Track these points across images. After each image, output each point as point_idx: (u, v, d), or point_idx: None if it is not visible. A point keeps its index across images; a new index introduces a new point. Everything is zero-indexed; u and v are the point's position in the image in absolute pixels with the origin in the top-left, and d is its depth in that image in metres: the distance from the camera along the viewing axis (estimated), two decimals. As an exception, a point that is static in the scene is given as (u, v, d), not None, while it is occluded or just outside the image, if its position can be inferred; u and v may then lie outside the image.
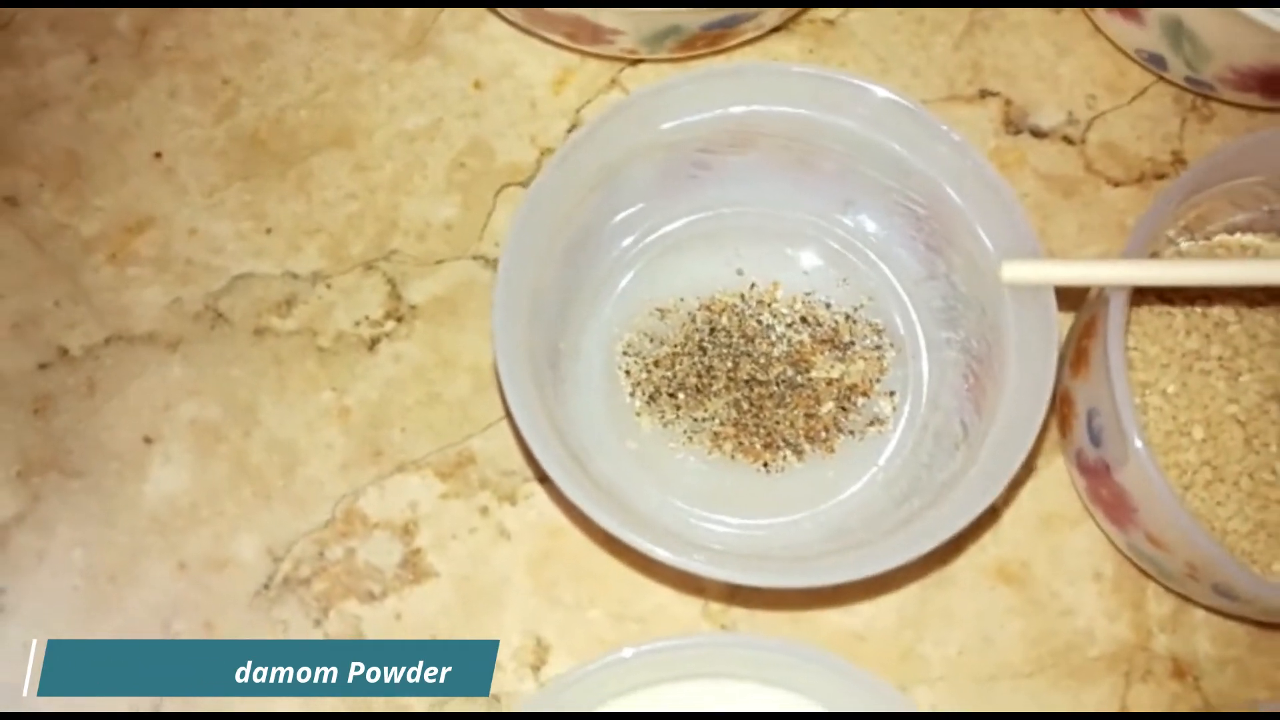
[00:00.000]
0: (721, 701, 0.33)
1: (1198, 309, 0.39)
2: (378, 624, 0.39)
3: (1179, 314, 0.39)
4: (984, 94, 0.45)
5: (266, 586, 0.39)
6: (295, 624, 0.39)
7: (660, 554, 0.33)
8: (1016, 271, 0.35)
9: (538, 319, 0.38)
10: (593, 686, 0.32)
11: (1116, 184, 0.44)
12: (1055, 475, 0.41)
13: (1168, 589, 0.39)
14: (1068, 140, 0.45)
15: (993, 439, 0.34)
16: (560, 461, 0.34)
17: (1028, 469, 0.40)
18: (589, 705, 0.33)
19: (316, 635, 0.38)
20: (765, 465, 0.40)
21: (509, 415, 0.36)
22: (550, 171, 0.36)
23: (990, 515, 0.40)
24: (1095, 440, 0.36)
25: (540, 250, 0.37)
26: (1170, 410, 0.38)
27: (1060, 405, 0.39)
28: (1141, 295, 0.39)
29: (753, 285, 0.41)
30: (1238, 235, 0.40)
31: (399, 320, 0.42)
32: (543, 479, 0.40)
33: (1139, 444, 0.33)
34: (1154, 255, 0.40)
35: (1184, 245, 0.40)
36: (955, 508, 0.33)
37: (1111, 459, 0.35)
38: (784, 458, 0.40)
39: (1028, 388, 0.34)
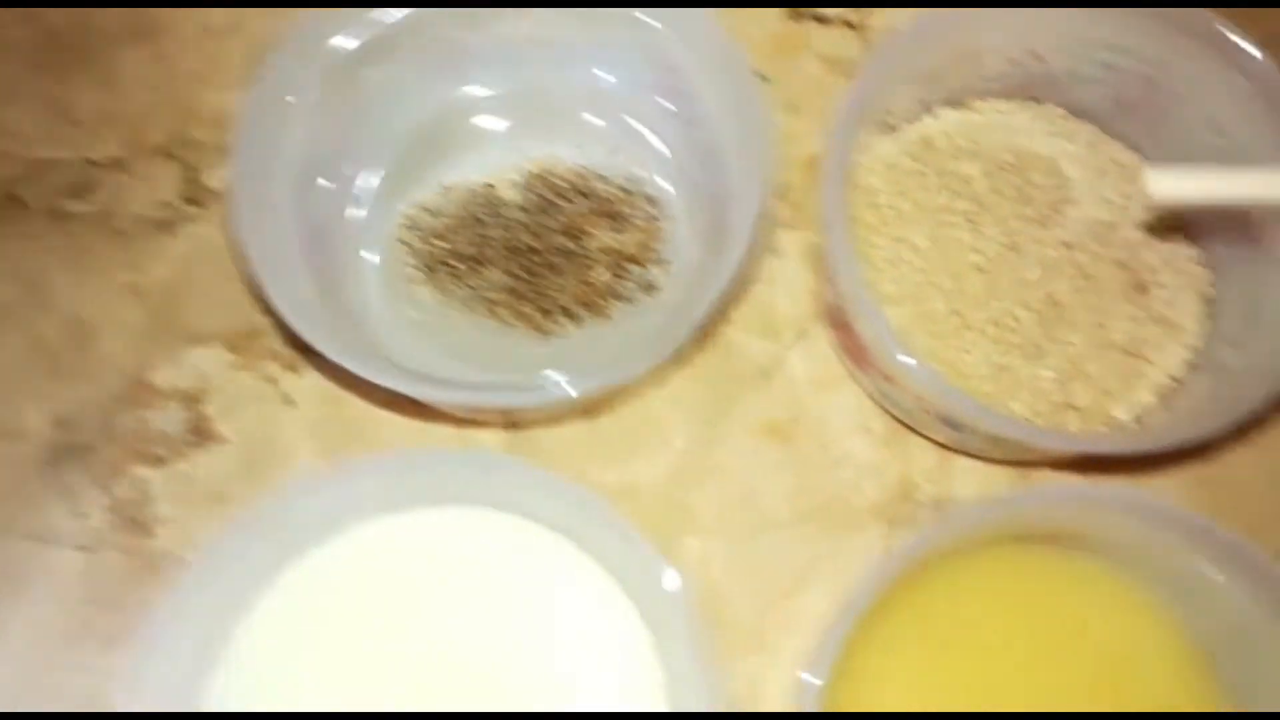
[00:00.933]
0: (454, 525, 0.35)
1: (949, 167, 0.40)
2: (166, 488, 0.40)
3: (931, 172, 0.40)
4: (770, -16, 0.47)
5: (56, 454, 0.40)
6: (82, 489, 0.40)
7: (405, 388, 0.35)
8: (1163, 184, 0.35)
9: (305, 193, 0.39)
10: (329, 502, 0.33)
11: (895, 66, 0.46)
12: (824, 338, 0.42)
13: (931, 440, 0.41)
14: (849, 25, 0.46)
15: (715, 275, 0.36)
16: (309, 320, 0.36)
17: (796, 332, 0.42)
18: (325, 521, 0.34)
19: (103, 500, 0.40)
20: (542, 331, 0.41)
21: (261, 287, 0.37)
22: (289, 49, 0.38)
23: (760, 377, 0.42)
24: (834, 285, 0.38)
25: (293, 126, 0.38)
26: (921, 263, 0.39)
27: (817, 268, 0.41)
28: (898, 154, 0.41)
29: (533, 160, 0.43)
30: (989, 101, 0.42)
31: (196, 204, 0.43)
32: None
33: (846, 270, 0.34)
34: (907, 123, 0.41)
35: (942, 112, 0.42)
36: (678, 326, 0.35)
37: (843, 300, 0.37)
38: (560, 324, 0.41)
39: (743, 225, 0.36)
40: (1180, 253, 0.40)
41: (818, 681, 0.30)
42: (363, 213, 0.42)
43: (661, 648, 0.33)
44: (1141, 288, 0.39)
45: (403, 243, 0.42)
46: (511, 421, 0.41)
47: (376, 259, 0.42)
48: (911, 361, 0.34)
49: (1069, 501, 0.32)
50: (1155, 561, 0.33)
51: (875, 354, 0.36)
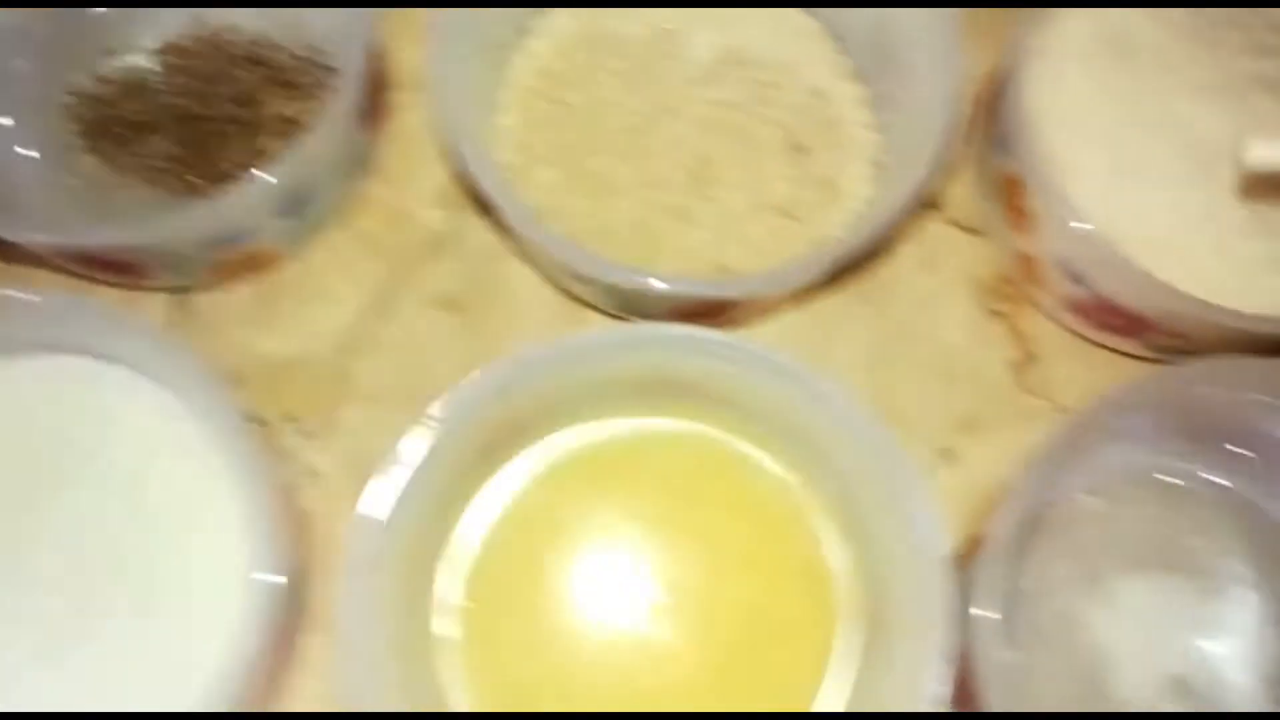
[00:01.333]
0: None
1: (615, 30, 0.40)
2: None
3: (598, 35, 0.40)
4: None
5: None
6: None
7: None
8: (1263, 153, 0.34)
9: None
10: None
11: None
12: (499, 216, 0.42)
13: (603, 310, 0.40)
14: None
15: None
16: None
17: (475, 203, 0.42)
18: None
19: None
20: (210, 199, 0.40)
21: None
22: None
23: (437, 248, 0.41)
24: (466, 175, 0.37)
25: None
26: (577, 124, 0.39)
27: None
28: (571, 20, 0.40)
29: (207, 27, 0.42)
30: None
31: None
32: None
33: (465, 141, 0.34)
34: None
35: None
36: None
37: (465, 164, 0.36)
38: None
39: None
40: (850, 117, 0.40)
41: (376, 517, 0.30)
42: (23, 81, 0.41)
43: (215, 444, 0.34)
44: (801, 149, 0.39)
45: (66, 108, 0.41)
46: (178, 288, 0.40)
47: (39, 127, 0.41)
48: (525, 217, 0.34)
49: (660, 342, 0.32)
50: (759, 406, 0.33)
51: (520, 230, 0.35)
